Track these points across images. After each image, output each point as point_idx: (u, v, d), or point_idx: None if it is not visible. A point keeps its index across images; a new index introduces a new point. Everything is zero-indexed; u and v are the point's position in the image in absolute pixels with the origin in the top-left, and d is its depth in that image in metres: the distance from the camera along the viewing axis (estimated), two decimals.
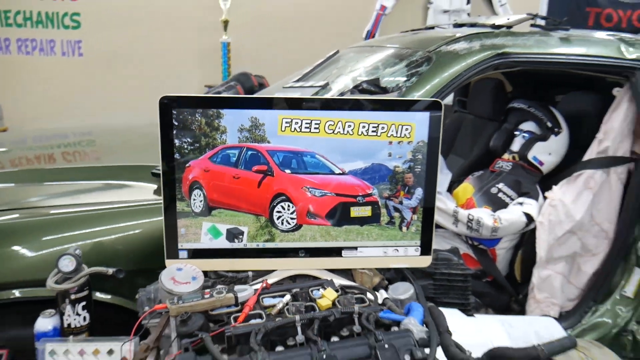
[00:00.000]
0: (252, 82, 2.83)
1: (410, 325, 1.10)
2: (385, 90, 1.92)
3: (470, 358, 1.08)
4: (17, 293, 1.48)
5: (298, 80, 2.29)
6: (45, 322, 1.30)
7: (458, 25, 2.49)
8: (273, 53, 4.47)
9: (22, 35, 4.17)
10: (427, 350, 1.04)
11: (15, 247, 1.50)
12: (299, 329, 1.07)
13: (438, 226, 2.25)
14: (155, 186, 1.70)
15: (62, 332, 1.30)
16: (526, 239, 2.26)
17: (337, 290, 1.20)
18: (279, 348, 1.06)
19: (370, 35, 4.65)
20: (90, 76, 4.34)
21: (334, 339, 1.08)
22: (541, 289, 2.21)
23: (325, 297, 1.16)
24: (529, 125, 2.39)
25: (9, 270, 1.48)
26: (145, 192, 1.68)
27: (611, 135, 2.17)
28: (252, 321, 1.10)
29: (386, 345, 1.02)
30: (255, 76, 2.93)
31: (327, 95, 1.94)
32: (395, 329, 1.11)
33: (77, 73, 4.32)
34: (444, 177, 2.28)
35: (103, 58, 4.35)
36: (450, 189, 2.37)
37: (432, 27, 2.74)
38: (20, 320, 1.50)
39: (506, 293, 2.32)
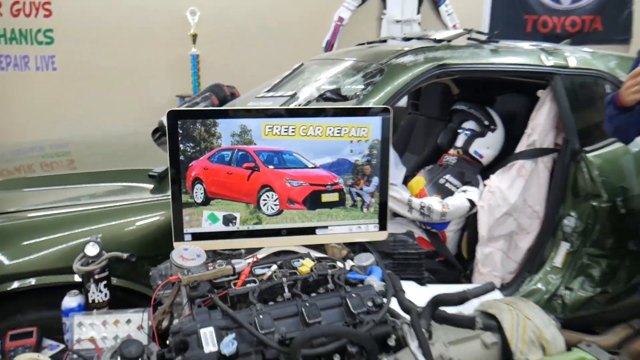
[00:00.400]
0: (225, 92, 3.08)
1: (371, 282, 1.41)
2: (345, 98, 2.23)
3: (417, 306, 1.40)
4: (33, 281, 1.72)
5: (269, 91, 2.57)
6: (71, 300, 1.55)
7: (407, 39, 2.83)
8: (239, 64, 4.67)
9: None
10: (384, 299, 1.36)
11: (31, 241, 1.75)
12: (285, 288, 1.37)
13: (396, 214, 2.58)
14: (151, 186, 1.96)
15: (87, 307, 1.55)
16: (470, 221, 2.59)
17: (313, 260, 1.50)
18: (271, 304, 1.35)
19: (330, 44, 4.90)
20: (64, 90, 4.46)
21: (313, 295, 1.39)
22: (484, 264, 2.55)
23: (305, 265, 1.46)
24: (469, 124, 2.74)
25: (27, 262, 1.72)
26: (143, 191, 1.94)
27: (538, 130, 2.51)
28: (248, 285, 1.39)
29: (353, 295, 1.32)
30: (227, 86, 3.20)
31: (295, 103, 2.23)
32: (360, 286, 1.42)
33: (51, 87, 4.43)
34: (399, 172, 2.60)
35: (77, 72, 4.47)
36: (405, 182, 2.70)
37: (385, 40, 3.07)
38: (38, 305, 1.74)
39: (455, 269, 2.64)
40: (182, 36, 4.53)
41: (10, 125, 4.36)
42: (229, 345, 1.15)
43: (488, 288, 1.49)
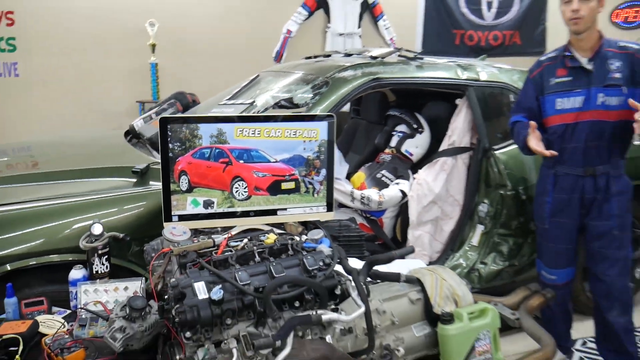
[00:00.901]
0: (188, 100, 3.41)
1: (322, 248, 1.83)
2: (297, 106, 2.64)
3: (356, 269, 1.83)
4: (33, 261, 2.03)
5: (230, 99, 2.96)
6: (77, 273, 1.89)
7: (348, 55, 3.28)
8: (195, 72, 4.94)
9: None
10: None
11: (36, 228, 2.06)
12: (256, 254, 1.76)
13: (341, 204, 3.01)
14: (134, 180, 2.30)
15: (90, 278, 1.90)
16: (403, 209, 3.05)
17: (276, 235, 1.90)
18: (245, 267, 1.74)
19: (279, 55, 5.24)
20: (27, 95, 4.60)
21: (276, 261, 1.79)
22: (415, 245, 2.98)
23: (269, 239, 1.86)
24: (401, 127, 3.21)
25: (31, 245, 2.03)
26: (128, 185, 2.28)
27: (456, 132, 3.00)
28: (227, 253, 1.78)
29: (308, 257, 1.73)
30: (189, 94, 3.54)
31: (254, 110, 2.62)
32: (313, 252, 1.84)
33: (14, 93, 4.56)
34: (342, 168, 3.03)
35: (39, 78, 4.61)
36: (348, 177, 3.14)
37: (329, 55, 3.51)
38: (42, 280, 2.05)
39: (391, 250, 3.12)
40: (142, 46, 4.76)
41: None
42: (217, 292, 1.54)
43: (409, 250, 1.96)
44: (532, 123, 2.35)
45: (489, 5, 5.91)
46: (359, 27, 5.52)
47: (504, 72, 3.11)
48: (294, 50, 5.28)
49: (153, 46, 4.71)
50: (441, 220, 3.04)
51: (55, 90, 4.70)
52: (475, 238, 2.99)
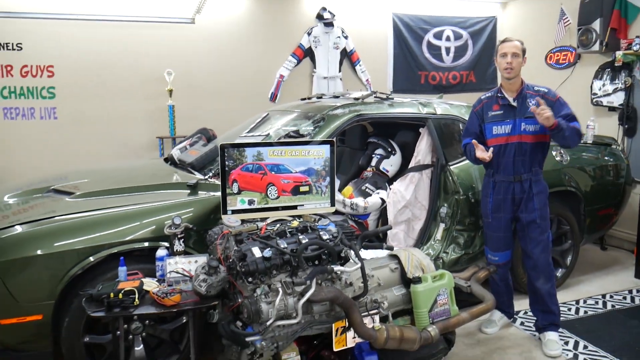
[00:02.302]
0: (210, 134, 4.28)
1: (330, 227, 2.72)
2: (302, 136, 3.53)
3: (354, 241, 2.71)
4: (117, 249, 2.79)
5: (249, 132, 3.84)
6: (162, 251, 2.70)
7: (336, 97, 4.21)
8: (205, 112, 5.66)
9: (7, 104, 5.02)
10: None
11: (128, 225, 2.86)
12: (287, 232, 2.63)
13: (335, 211, 3.87)
14: (188, 191, 3.14)
15: (172, 254, 2.72)
16: (382, 213, 3.92)
17: (297, 221, 2.78)
18: None
19: (274, 96, 5.99)
20: (64, 135, 5.24)
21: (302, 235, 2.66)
22: (393, 240, 3.82)
23: (294, 223, 2.73)
24: (379, 151, 4.11)
25: (117, 238, 2.83)
26: (185, 194, 3.12)
27: (421, 153, 3.86)
28: (267, 232, 2.64)
29: (321, 232, 2.62)
30: (209, 130, 4.40)
31: (270, 140, 3.51)
32: (324, 230, 2.71)
33: (53, 133, 5.21)
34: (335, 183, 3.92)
35: (74, 120, 5.26)
36: (339, 191, 4.02)
37: (321, 97, 4.44)
38: (131, 261, 2.83)
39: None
40: (161, 91, 5.51)
41: (22, 164, 5.15)
42: (267, 252, 2.40)
43: (387, 228, 2.86)
44: (474, 142, 3.25)
45: (447, 50, 6.80)
46: (340, 71, 6.32)
47: (454, 107, 4.06)
48: (286, 91, 6.11)
49: (170, 91, 5.45)
50: (412, 221, 3.89)
51: (87, 129, 5.38)
52: (438, 234, 3.80)
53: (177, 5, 5.59)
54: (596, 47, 5.32)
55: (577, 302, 4.08)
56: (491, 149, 3.24)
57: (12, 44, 5.12)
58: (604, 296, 4.19)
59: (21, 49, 5.16)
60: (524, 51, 3.25)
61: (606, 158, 4.59)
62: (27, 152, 5.26)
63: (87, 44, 5.35)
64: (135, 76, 5.54)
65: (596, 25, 5.29)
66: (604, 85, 5.40)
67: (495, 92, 3.39)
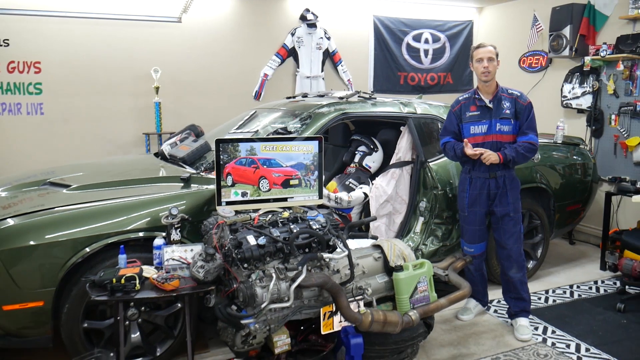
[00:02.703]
0: (198, 130, 4.41)
1: (319, 218, 2.90)
2: (290, 132, 3.70)
3: (340, 231, 2.89)
4: (112, 239, 2.92)
5: (237, 128, 4.00)
6: (159, 240, 2.83)
7: (321, 96, 4.39)
8: (191, 109, 5.79)
9: None
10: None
11: (126, 217, 2.99)
12: (279, 222, 2.80)
13: (320, 205, 4.05)
14: (182, 184, 3.28)
15: (168, 243, 2.87)
16: (365, 207, 4.14)
17: (288, 213, 2.95)
18: None
19: (258, 94, 6.13)
20: (51, 131, 5.30)
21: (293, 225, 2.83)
22: (375, 233, 4.05)
23: (285, 214, 2.91)
24: (362, 148, 4.30)
25: (115, 228, 2.96)
26: (178, 187, 3.26)
27: (402, 150, 4.08)
28: (260, 222, 2.81)
29: (311, 222, 2.79)
30: (197, 126, 4.53)
31: (258, 136, 3.67)
32: (314, 220, 2.89)
33: (39, 128, 5.27)
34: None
35: (61, 116, 5.32)
36: (324, 185, 4.20)
37: (306, 95, 4.61)
38: (128, 250, 2.98)
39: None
40: (148, 88, 5.60)
41: (7, 159, 5.19)
42: (262, 239, 2.57)
43: (372, 218, 3.05)
44: (465, 140, 3.45)
45: (426, 52, 7.04)
46: (322, 71, 6.52)
47: (433, 107, 4.28)
48: (270, 90, 6.27)
49: (157, 88, 5.55)
50: (393, 214, 4.10)
51: (74, 125, 5.45)
52: (418, 227, 4.01)
53: (164, 4, 5.69)
54: (566, 52, 5.61)
55: (547, 291, 4.34)
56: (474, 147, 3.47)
57: None
58: (571, 286, 4.46)
59: (8, 45, 5.20)
60: (497, 55, 3.47)
61: (575, 157, 4.86)
62: (13, 148, 5.31)
63: (74, 40, 5.41)
64: (122, 73, 5.63)
65: (566, 31, 5.58)
66: (573, 88, 5.69)
67: (472, 93, 3.60)
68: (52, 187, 3.30)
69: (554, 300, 4.17)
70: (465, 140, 3.46)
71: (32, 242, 2.73)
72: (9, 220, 2.80)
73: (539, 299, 4.18)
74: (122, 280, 2.50)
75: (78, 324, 2.87)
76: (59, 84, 5.40)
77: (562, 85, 5.82)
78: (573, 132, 5.47)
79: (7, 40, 5.18)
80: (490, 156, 3.37)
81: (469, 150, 3.43)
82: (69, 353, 2.90)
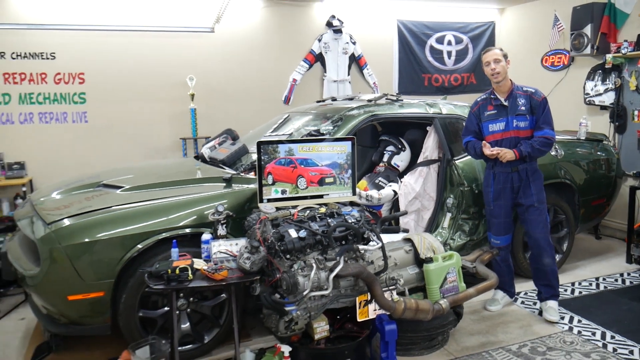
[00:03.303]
0: (235, 134, 4.66)
1: (354, 213, 3.11)
2: (322, 134, 3.91)
3: (374, 224, 3.10)
4: (164, 235, 3.18)
5: (272, 131, 4.23)
6: (207, 235, 3.06)
7: (350, 99, 4.60)
8: (224, 114, 6.04)
9: (42, 110, 5.40)
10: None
11: (175, 215, 3.24)
12: (317, 217, 3.02)
13: (352, 203, 4.26)
14: (224, 184, 3.52)
15: (215, 238, 3.11)
16: (394, 204, 4.35)
17: (324, 208, 3.17)
18: None
19: (287, 99, 6.37)
20: (94, 137, 5.64)
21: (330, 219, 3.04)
22: (404, 227, 4.28)
23: (321, 210, 3.13)
24: (390, 148, 4.50)
25: (165, 225, 3.21)
26: (221, 187, 3.49)
27: (429, 149, 4.26)
28: (299, 217, 3.03)
29: (347, 217, 3.01)
30: (233, 130, 4.78)
31: (294, 138, 3.90)
32: (349, 215, 3.10)
33: (83, 135, 5.60)
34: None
35: (103, 123, 5.65)
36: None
37: (335, 99, 4.83)
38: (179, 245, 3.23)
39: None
40: (184, 95, 5.89)
41: (55, 165, 5.52)
42: (303, 233, 2.80)
43: (403, 212, 3.25)
44: (484, 142, 3.64)
45: (449, 54, 7.20)
46: (349, 74, 6.74)
47: (458, 107, 4.45)
48: (299, 94, 6.51)
49: (192, 95, 5.83)
50: (421, 211, 4.27)
51: (116, 132, 5.78)
52: (445, 222, 4.18)
53: (198, 15, 5.99)
54: (588, 50, 5.73)
55: (573, 284, 4.47)
56: (492, 146, 3.65)
57: (47, 53, 5.51)
58: (597, 279, 4.58)
59: (54, 58, 5.55)
60: (505, 56, 3.66)
61: (599, 153, 4.97)
62: (61, 154, 5.65)
63: (115, 52, 5.74)
64: (159, 82, 5.94)
65: (587, 30, 5.69)
66: (595, 85, 5.80)
67: (489, 94, 3.80)
68: (106, 189, 3.58)
69: (580, 292, 4.30)
70: (484, 142, 3.66)
71: (93, 238, 2.99)
72: (72, 219, 3.07)
73: (565, 290, 4.31)
74: (177, 271, 2.75)
75: (134, 313, 3.13)
76: (101, 93, 5.73)
77: (585, 83, 5.92)
78: (596, 129, 5.58)
79: (54, 53, 5.53)
80: (506, 154, 3.58)
81: (487, 150, 3.63)
82: (125, 340, 3.16)
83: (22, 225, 3.39)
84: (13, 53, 5.42)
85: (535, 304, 4.01)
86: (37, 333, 3.71)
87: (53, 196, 3.63)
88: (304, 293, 2.75)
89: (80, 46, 5.62)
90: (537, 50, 6.62)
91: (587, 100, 5.93)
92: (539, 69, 6.61)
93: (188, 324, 3.27)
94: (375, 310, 3.13)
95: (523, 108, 3.64)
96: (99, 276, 3.01)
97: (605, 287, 4.41)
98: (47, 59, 5.53)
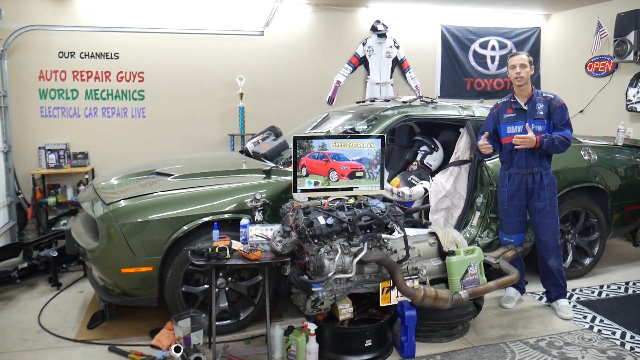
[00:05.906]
0: (278, 131, 4.98)
1: (380, 205, 3.35)
2: (358, 132, 4.16)
3: (398, 218, 3.33)
4: (207, 218, 3.51)
5: (312, 129, 4.52)
6: (245, 220, 3.38)
7: (387, 100, 4.84)
8: (271, 113, 6.42)
9: (105, 105, 5.91)
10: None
11: (218, 201, 3.57)
12: (345, 207, 3.28)
13: (384, 199, 4.49)
14: (263, 175, 3.83)
15: (252, 223, 3.42)
16: (425, 201, 4.54)
17: (353, 200, 3.42)
18: None
19: (331, 99, 6.66)
20: (151, 131, 6.11)
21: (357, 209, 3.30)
22: (434, 226, 4.45)
23: (350, 200, 3.38)
24: (424, 148, 4.70)
25: (208, 210, 3.54)
26: (261, 178, 3.81)
27: (461, 149, 4.43)
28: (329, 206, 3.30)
29: (373, 208, 3.25)
30: (276, 127, 5.10)
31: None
32: (375, 206, 3.34)
33: (141, 129, 6.09)
34: (385, 175, 4.55)
35: (160, 119, 6.11)
36: (388, 181, 4.63)
37: (374, 100, 5.07)
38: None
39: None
40: (233, 94, 6.30)
41: (115, 155, 6.03)
42: (330, 220, 3.06)
43: (426, 206, 3.47)
44: (486, 133, 3.82)
45: (492, 59, 7.30)
46: (391, 77, 6.97)
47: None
48: (342, 96, 6.79)
49: (241, 94, 6.23)
50: (451, 209, 4.43)
51: (170, 127, 6.24)
52: (474, 220, 4.33)
53: (249, 20, 6.38)
54: (631, 57, 5.72)
55: (601, 286, 4.53)
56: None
57: (111, 53, 6.03)
58: (627, 283, 4.62)
59: (118, 57, 6.06)
60: (530, 62, 3.79)
61: (638, 160, 4.98)
62: (120, 145, 6.16)
63: (172, 53, 6.22)
64: (211, 81, 6.37)
65: (631, 37, 5.69)
66: (638, 92, 5.78)
67: (510, 97, 3.94)
68: (159, 176, 3.96)
69: (607, 295, 4.36)
70: (485, 133, 3.84)
71: (145, 219, 3.36)
72: (127, 201, 3.46)
73: (592, 292, 4.39)
74: (216, 250, 3.07)
75: (178, 288, 3.48)
76: (158, 91, 6.22)
77: (627, 90, 5.91)
78: (639, 136, 5.56)
79: (117, 53, 6.03)
80: (528, 139, 3.67)
81: (481, 140, 3.83)
82: (170, 312, 3.51)
83: (85, 206, 3.80)
84: (82, 53, 5.96)
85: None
86: (93, 304, 4.13)
87: (112, 181, 4.05)
88: (329, 275, 3.01)
89: (141, 47, 6.10)
90: (582, 57, 6.63)
91: (628, 107, 5.92)
92: (583, 74, 6.61)
93: (226, 302, 3.59)
94: (397, 296, 3.35)
95: (541, 113, 3.77)
96: (149, 252, 3.37)
97: (634, 291, 4.45)
98: (111, 58, 6.03)
